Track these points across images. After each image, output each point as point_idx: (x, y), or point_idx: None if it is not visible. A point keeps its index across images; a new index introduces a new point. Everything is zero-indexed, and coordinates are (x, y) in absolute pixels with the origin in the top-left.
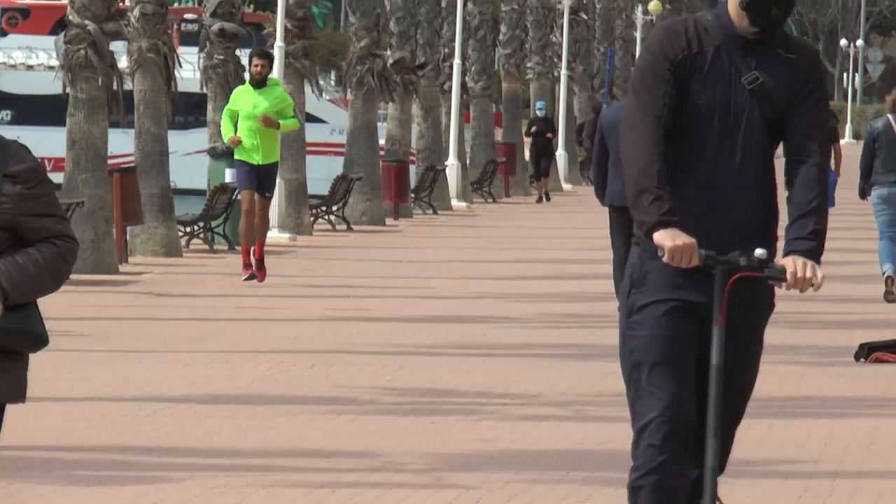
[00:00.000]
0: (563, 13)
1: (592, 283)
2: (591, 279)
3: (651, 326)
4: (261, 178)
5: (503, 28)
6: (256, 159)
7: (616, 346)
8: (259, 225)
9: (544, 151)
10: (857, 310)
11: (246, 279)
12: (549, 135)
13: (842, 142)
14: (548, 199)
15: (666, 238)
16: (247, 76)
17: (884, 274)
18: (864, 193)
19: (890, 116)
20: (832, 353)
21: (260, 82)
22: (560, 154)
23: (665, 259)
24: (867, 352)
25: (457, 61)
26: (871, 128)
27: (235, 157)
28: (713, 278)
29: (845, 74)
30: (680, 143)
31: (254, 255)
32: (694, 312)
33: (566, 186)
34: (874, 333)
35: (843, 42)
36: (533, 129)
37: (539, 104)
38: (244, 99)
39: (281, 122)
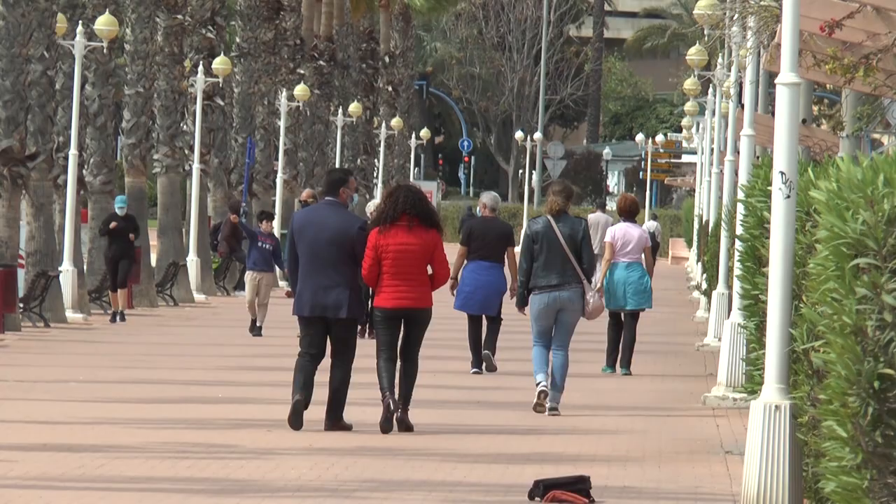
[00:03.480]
0: (195, 98)
1: (228, 409)
2: (227, 404)
3: None
4: None
5: (126, 114)
6: None
7: (254, 482)
8: None
9: (124, 255)
10: (530, 441)
11: None
12: (132, 236)
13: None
14: (122, 318)
15: None
16: None
17: (537, 384)
18: (522, 302)
19: (550, 217)
20: (502, 491)
21: None
22: (191, 259)
23: None
24: (543, 490)
25: (73, 151)
26: (531, 229)
27: None
28: None
29: (521, 172)
30: None
31: None
32: None
33: (199, 297)
34: (550, 469)
35: (518, 135)
36: (112, 224)
37: (119, 200)
38: None
39: None
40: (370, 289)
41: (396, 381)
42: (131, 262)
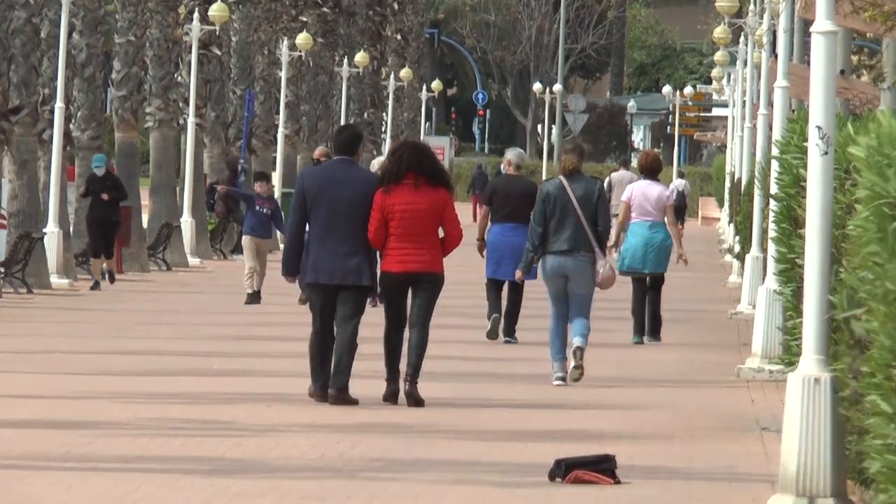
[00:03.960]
0: (190, 48)
1: (223, 382)
2: (222, 377)
3: None
4: None
5: (116, 65)
6: None
7: (252, 461)
8: None
9: (106, 219)
10: (550, 417)
11: None
12: (105, 195)
13: None
14: (111, 278)
15: None
16: None
17: (554, 374)
18: (527, 269)
19: (563, 178)
20: (521, 471)
21: None
22: (186, 220)
23: None
24: (564, 470)
25: (59, 104)
26: (544, 190)
27: None
28: None
29: (539, 126)
30: None
31: None
32: None
33: (193, 261)
34: (572, 447)
35: (536, 86)
36: (104, 196)
37: (96, 159)
38: None
39: None
40: (377, 252)
41: (404, 351)
42: (116, 226)
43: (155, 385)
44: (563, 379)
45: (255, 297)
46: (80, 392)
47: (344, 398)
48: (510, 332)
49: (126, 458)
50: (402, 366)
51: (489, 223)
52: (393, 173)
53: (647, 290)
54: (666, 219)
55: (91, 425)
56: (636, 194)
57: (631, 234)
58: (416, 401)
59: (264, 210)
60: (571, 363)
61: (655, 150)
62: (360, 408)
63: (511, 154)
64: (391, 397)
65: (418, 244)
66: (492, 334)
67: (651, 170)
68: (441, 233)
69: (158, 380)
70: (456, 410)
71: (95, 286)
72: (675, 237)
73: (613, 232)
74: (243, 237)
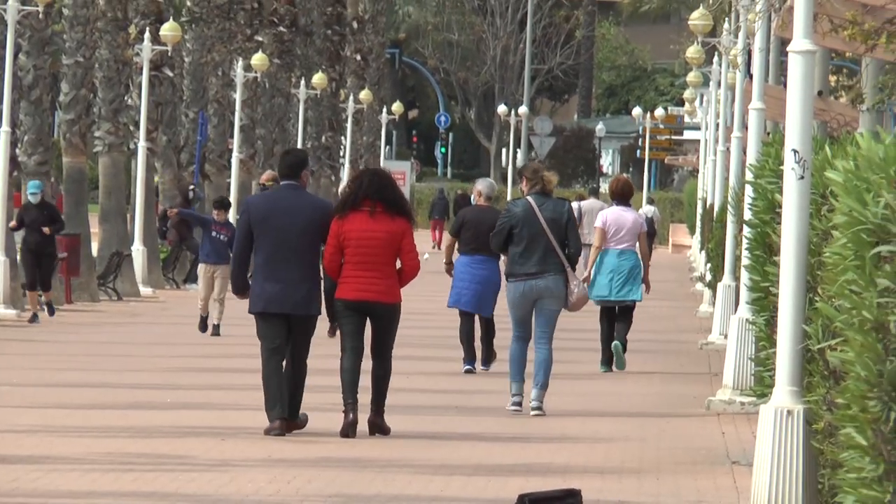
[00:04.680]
0: (141, 69)
1: (177, 415)
2: (176, 409)
3: None
4: None
5: (64, 87)
6: None
7: (206, 496)
8: None
9: (43, 251)
10: (514, 450)
11: None
12: (46, 229)
13: None
14: (51, 311)
15: None
16: None
17: (512, 397)
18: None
19: (531, 199)
20: None
21: None
22: (137, 249)
23: None
24: None
25: (4, 128)
26: (510, 212)
27: None
28: None
29: (504, 150)
30: None
31: None
32: None
33: (145, 291)
34: (536, 481)
35: (501, 109)
36: (12, 224)
37: (31, 186)
38: None
39: None
40: (333, 283)
41: (363, 384)
42: (53, 258)
43: (106, 418)
44: (520, 403)
45: (208, 328)
46: (29, 426)
47: (294, 425)
48: (486, 360)
49: (77, 493)
50: (362, 398)
51: (457, 254)
52: (349, 200)
53: (616, 317)
54: (639, 247)
55: (40, 460)
56: (609, 221)
57: (598, 261)
58: (380, 429)
59: (220, 237)
60: (532, 405)
61: (625, 175)
62: (318, 442)
63: (481, 185)
64: (349, 430)
65: (374, 272)
66: (470, 361)
67: (623, 195)
68: (398, 263)
69: (110, 413)
70: (417, 444)
71: (34, 319)
72: (646, 265)
73: (591, 259)
74: (199, 265)
